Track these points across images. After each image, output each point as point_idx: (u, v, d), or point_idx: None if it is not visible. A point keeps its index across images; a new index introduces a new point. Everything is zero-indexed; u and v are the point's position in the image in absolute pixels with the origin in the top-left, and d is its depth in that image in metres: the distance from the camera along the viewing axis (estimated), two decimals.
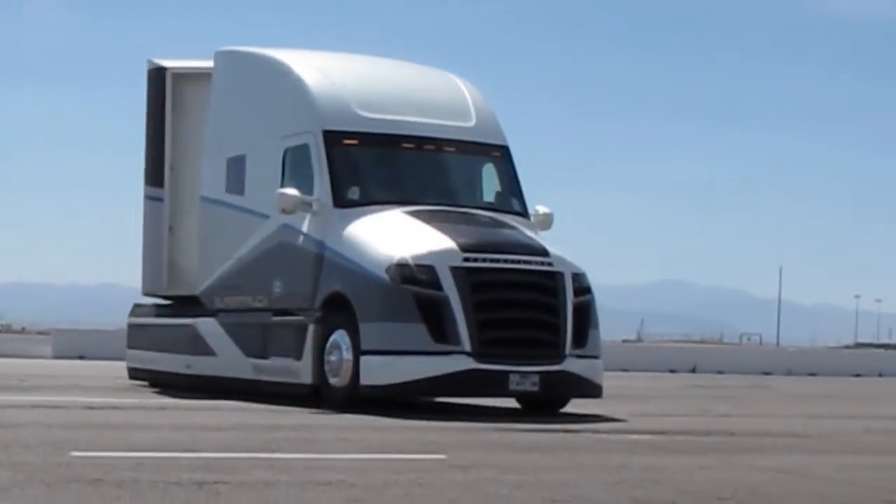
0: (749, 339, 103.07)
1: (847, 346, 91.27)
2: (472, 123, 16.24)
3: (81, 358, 33.78)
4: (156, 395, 17.30)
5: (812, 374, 39.26)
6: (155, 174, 19.00)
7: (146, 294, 19.66)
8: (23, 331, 59.05)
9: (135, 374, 19.73)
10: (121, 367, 26.01)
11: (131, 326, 20.22)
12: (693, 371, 38.02)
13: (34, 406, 13.73)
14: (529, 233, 15.41)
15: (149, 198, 19.18)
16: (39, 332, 49.67)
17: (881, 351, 66.83)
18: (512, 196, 16.21)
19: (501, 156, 16.33)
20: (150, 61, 19.15)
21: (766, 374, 38.69)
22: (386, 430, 11.85)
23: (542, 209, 16.33)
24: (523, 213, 16.04)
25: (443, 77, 17.20)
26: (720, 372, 38.30)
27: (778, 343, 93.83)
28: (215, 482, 7.24)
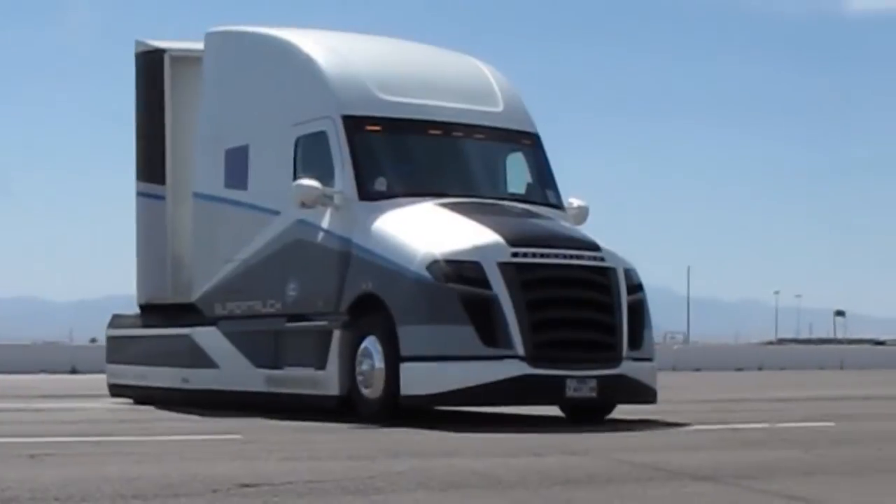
0: (673, 337, 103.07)
1: (770, 343, 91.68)
2: (500, 109, 14.94)
3: None
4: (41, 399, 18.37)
5: (697, 370, 40.43)
6: (151, 169, 17.18)
7: (143, 304, 17.67)
8: None
9: (118, 391, 18.08)
10: (24, 381, 25.88)
11: (112, 339, 18.56)
12: None
13: None
14: (573, 226, 14.21)
15: (144, 195, 17.30)
16: None
17: (770, 347, 69.15)
18: (546, 187, 14.92)
19: (532, 144, 15.06)
20: (140, 42, 17.41)
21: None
22: (215, 420, 13.63)
23: (576, 201, 15.08)
24: (559, 206, 14.78)
25: (463, 60, 15.86)
26: None
27: (688, 340, 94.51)
28: (45, 454, 8.99)
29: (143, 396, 17.28)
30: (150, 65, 17.21)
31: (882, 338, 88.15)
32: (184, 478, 7.50)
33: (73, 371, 34.55)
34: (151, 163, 17.24)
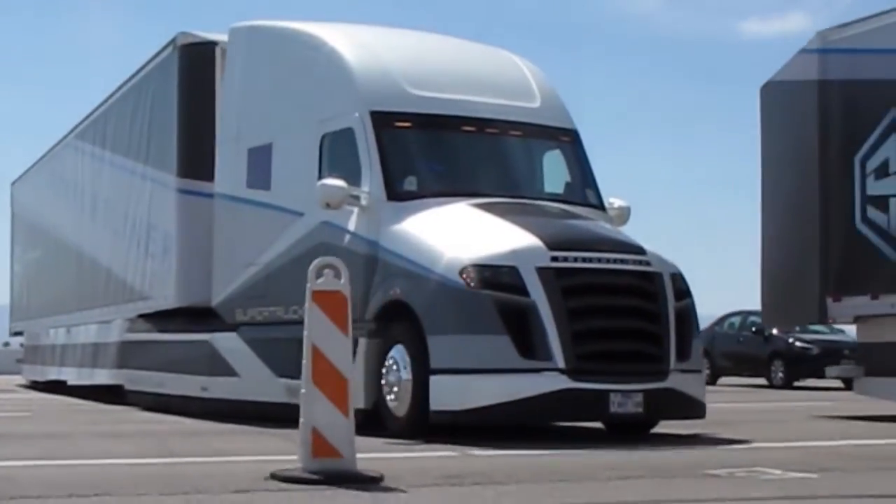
0: None
1: None
2: (536, 104, 14.06)
3: None
4: None
5: None
6: (194, 165, 16.19)
7: (181, 307, 16.51)
8: None
9: (134, 398, 17.34)
10: None
11: (128, 344, 17.82)
12: None
13: None
14: (615, 228, 13.32)
15: (185, 192, 16.32)
16: None
17: None
18: (586, 186, 14.04)
19: (571, 141, 14.17)
20: (187, 34, 16.60)
21: None
22: (26, 402, 19.52)
23: (617, 202, 14.17)
24: (599, 206, 13.90)
25: (498, 53, 15.01)
26: None
27: None
28: None
29: (161, 404, 16.49)
30: (199, 57, 16.36)
31: None
32: None
33: None
34: (196, 159, 16.21)
